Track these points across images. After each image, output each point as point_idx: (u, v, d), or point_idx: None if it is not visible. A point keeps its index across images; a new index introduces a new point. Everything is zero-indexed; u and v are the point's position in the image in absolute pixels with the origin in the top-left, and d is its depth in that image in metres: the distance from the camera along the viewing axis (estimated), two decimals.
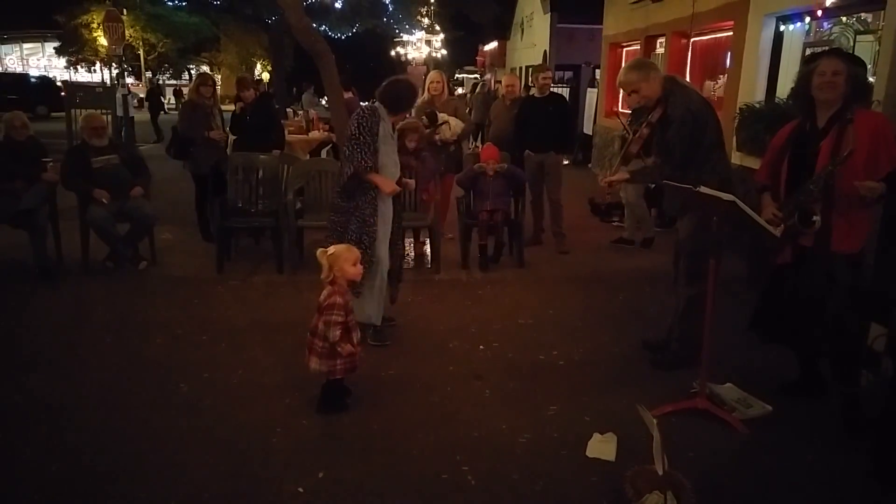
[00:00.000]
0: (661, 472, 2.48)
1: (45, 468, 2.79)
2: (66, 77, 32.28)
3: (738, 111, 6.43)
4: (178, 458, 2.88)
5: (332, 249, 3.19)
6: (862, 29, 5.57)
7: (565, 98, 7.95)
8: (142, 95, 19.91)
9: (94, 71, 31.32)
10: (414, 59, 27.58)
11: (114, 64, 16.59)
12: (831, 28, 5.93)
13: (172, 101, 26.49)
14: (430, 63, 25.42)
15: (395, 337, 4.25)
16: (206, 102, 6.40)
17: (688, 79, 8.21)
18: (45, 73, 35.80)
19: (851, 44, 5.63)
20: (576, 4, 17.48)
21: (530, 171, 6.39)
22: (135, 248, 5.60)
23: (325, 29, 20.18)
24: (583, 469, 2.85)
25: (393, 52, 29.22)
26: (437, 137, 5.92)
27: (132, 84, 28.45)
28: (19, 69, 38.66)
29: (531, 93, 7.19)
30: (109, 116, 9.61)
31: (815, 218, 2.95)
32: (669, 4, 9.04)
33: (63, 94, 24.61)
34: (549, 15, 20.10)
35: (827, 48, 5.42)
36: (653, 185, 6.31)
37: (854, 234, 3.02)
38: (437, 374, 3.74)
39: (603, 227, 7.59)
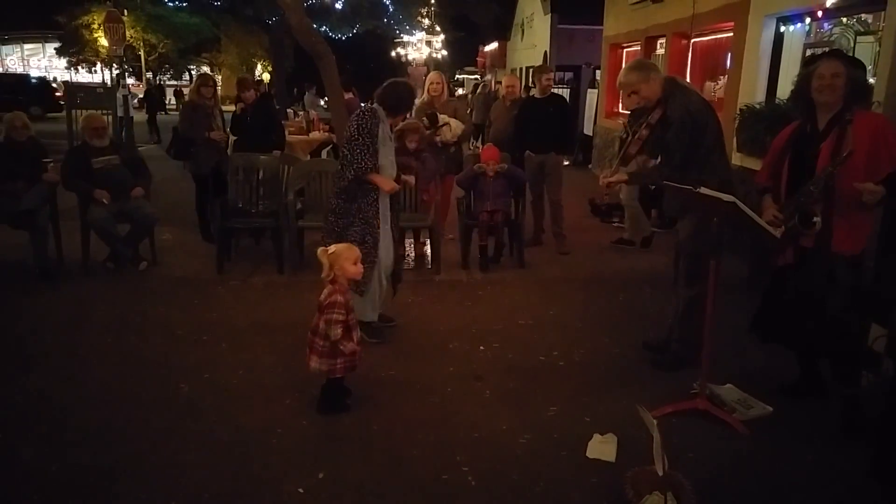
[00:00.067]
0: (661, 473, 2.48)
1: (45, 468, 2.79)
2: (66, 77, 32.33)
3: (738, 112, 6.43)
4: (179, 458, 2.88)
5: (332, 248, 3.20)
6: (862, 30, 5.57)
7: (565, 99, 7.95)
8: (141, 96, 19.88)
9: (95, 71, 31.35)
10: (414, 59, 27.60)
11: (114, 64, 16.60)
12: (832, 29, 5.92)
13: (173, 101, 26.53)
14: (431, 64, 25.43)
15: (395, 337, 4.26)
16: (206, 103, 6.41)
17: (688, 80, 8.20)
18: (46, 74, 35.86)
19: (852, 45, 5.63)
20: (576, 5, 17.48)
21: (531, 171, 6.40)
22: (135, 248, 5.60)
23: (325, 30, 20.21)
24: (583, 470, 2.85)
25: (393, 53, 29.25)
26: (437, 139, 5.93)
27: (133, 85, 28.47)
28: (20, 70, 38.69)
29: (531, 93, 7.20)
30: (110, 117, 9.61)
31: (815, 219, 2.95)
32: (670, 5, 9.05)
33: (58, 94, 24.72)
34: (549, 16, 20.10)
35: (827, 49, 5.43)
36: (653, 187, 6.31)
37: (855, 235, 3.02)
38: (438, 375, 3.74)
39: (603, 227, 7.59)
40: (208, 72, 29.71)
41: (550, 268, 5.97)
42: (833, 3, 5.38)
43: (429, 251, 6.06)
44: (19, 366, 3.77)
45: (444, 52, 29.32)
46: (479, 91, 18.51)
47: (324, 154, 9.34)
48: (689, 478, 2.56)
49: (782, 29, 6.42)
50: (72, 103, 10.46)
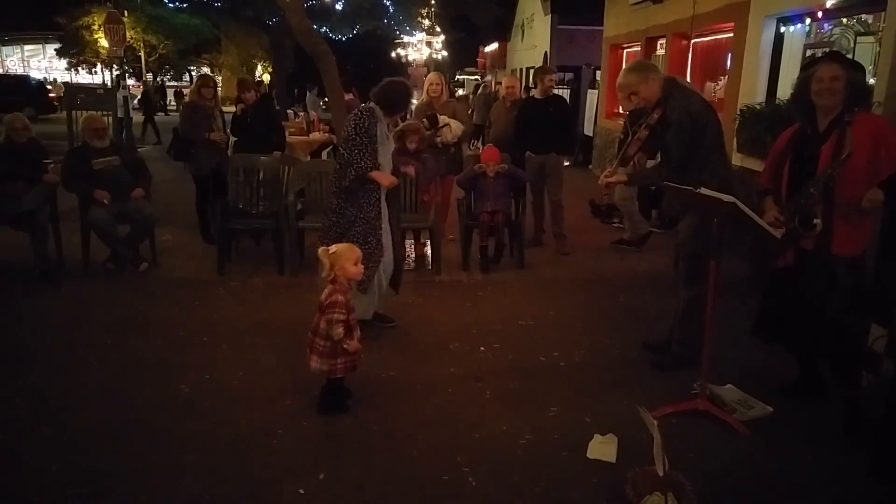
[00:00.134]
0: (661, 474, 2.48)
1: (45, 469, 2.79)
2: (66, 79, 32.32)
3: (738, 112, 6.43)
4: (179, 459, 2.88)
5: (334, 248, 3.20)
6: (862, 30, 5.57)
7: (565, 99, 7.95)
8: (139, 97, 19.85)
9: (95, 73, 31.34)
10: (415, 60, 27.59)
11: (115, 65, 16.60)
12: (832, 29, 5.93)
13: (173, 102, 26.51)
14: (431, 64, 25.43)
15: (395, 338, 4.26)
16: (207, 104, 6.41)
17: (688, 80, 8.21)
18: (46, 75, 35.87)
19: (852, 45, 5.64)
20: (576, 6, 17.49)
21: (531, 172, 6.40)
22: (135, 249, 5.60)
23: (325, 30, 20.23)
24: (583, 470, 2.85)
25: (393, 54, 29.24)
26: (437, 139, 5.93)
27: (133, 86, 28.48)
28: (20, 71, 38.71)
29: (531, 94, 7.20)
30: (110, 118, 9.61)
31: (815, 221, 2.95)
32: (670, 6, 9.05)
33: (52, 95, 24.64)
34: (549, 16, 20.11)
35: (826, 50, 5.44)
36: (653, 187, 6.31)
37: (855, 237, 3.02)
38: (438, 376, 3.74)
39: (603, 228, 7.59)
40: (208, 73, 29.75)
41: (551, 268, 5.97)
42: (833, 4, 5.38)
43: (429, 252, 6.06)
44: (19, 366, 3.77)
45: (445, 53, 29.31)
46: (480, 92, 18.52)
47: (324, 155, 9.34)
48: (690, 478, 2.57)
49: (782, 29, 6.43)
50: (72, 104, 10.47)
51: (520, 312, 4.79)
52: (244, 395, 3.48)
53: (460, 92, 27.73)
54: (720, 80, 8.16)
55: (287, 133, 8.05)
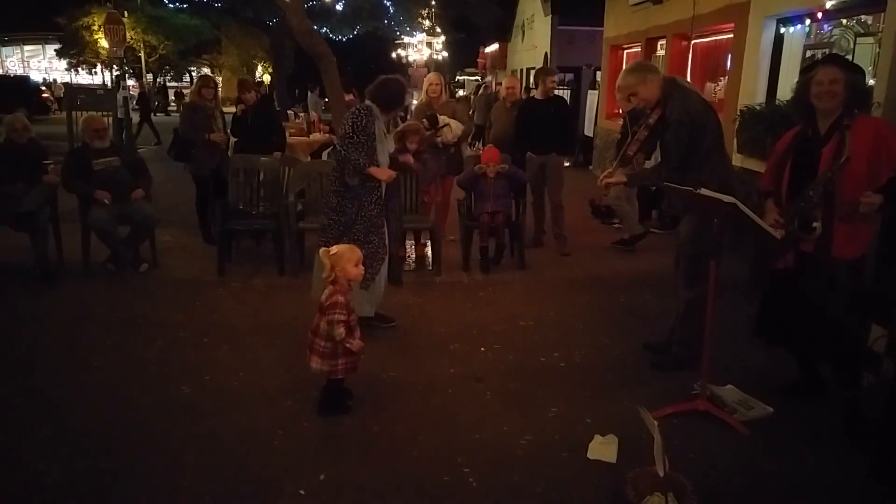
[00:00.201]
0: (662, 474, 2.48)
1: (46, 470, 2.79)
2: (66, 79, 32.32)
3: (738, 113, 6.44)
4: (180, 460, 2.88)
5: (335, 249, 3.20)
6: (862, 31, 5.57)
7: (565, 100, 7.96)
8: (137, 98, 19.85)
9: (95, 73, 31.34)
10: (415, 61, 27.62)
11: (114, 66, 16.60)
12: (831, 30, 5.93)
13: (174, 102, 26.50)
14: (431, 65, 25.45)
15: (396, 339, 4.26)
16: (207, 105, 6.41)
17: (688, 80, 8.21)
18: (46, 76, 35.88)
19: (851, 46, 5.64)
20: (576, 7, 17.50)
21: (532, 172, 6.40)
22: (136, 250, 5.60)
23: (326, 31, 20.23)
24: (584, 471, 2.85)
25: (394, 54, 29.26)
26: (438, 140, 5.93)
27: (133, 86, 28.49)
28: (20, 71, 38.72)
29: (532, 95, 7.20)
30: (110, 118, 9.62)
31: (815, 224, 2.95)
32: (670, 6, 9.06)
33: (45, 96, 24.55)
34: (549, 17, 20.12)
35: (826, 52, 5.44)
36: (653, 188, 6.31)
37: (855, 239, 3.02)
38: (439, 376, 3.74)
39: (604, 229, 7.59)
40: (209, 73, 29.77)
41: (551, 269, 5.98)
42: (833, 5, 5.38)
43: (429, 252, 6.06)
44: (20, 367, 3.77)
45: (445, 54, 29.33)
46: (481, 92, 18.53)
47: (324, 155, 9.33)
48: (690, 478, 2.57)
49: (782, 30, 6.43)
50: (72, 105, 10.47)
51: (520, 313, 4.79)
52: (245, 395, 3.48)
53: (461, 93, 27.73)
54: (720, 81, 8.16)
55: (287, 134, 8.06)
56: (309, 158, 8.54)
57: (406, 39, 27.15)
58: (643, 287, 5.39)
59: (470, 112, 12.59)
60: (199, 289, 5.20)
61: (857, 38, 5.62)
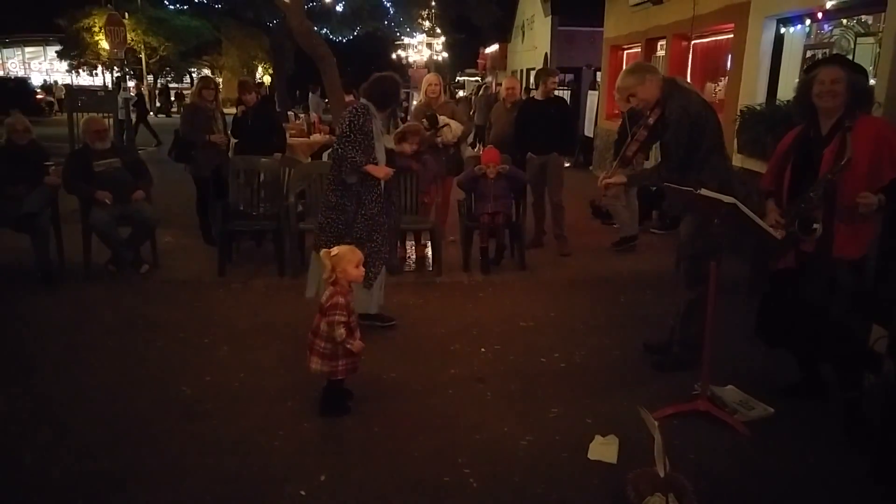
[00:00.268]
0: (662, 475, 2.48)
1: (47, 472, 2.79)
2: (67, 81, 32.36)
3: (738, 113, 6.44)
4: (181, 460, 2.88)
5: (335, 250, 3.20)
6: (862, 31, 5.57)
7: (566, 101, 7.96)
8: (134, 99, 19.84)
9: (96, 75, 31.39)
10: (415, 61, 27.64)
11: (115, 67, 16.63)
12: (832, 30, 5.93)
13: (174, 104, 26.55)
14: (432, 66, 25.47)
15: (396, 339, 4.26)
16: (208, 106, 6.41)
17: (688, 81, 8.21)
18: (47, 77, 35.91)
19: (852, 46, 5.64)
20: (576, 7, 17.51)
21: (532, 173, 6.40)
22: (136, 251, 5.60)
23: (326, 32, 20.24)
24: (584, 471, 2.85)
25: (394, 55, 29.29)
26: (438, 140, 5.93)
27: (132, 87, 28.54)
28: (21, 73, 38.79)
29: (532, 95, 7.21)
30: (111, 120, 9.62)
31: (815, 226, 2.95)
32: (670, 7, 9.06)
33: (39, 97, 24.53)
34: (549, 18, 20.13)
35: (826, 52, 5.44)
36: (653, 188, 6.31)
37: (856, 240, 3.02)
38: (439, 377, 3.74)
39: (604, 229, 7.58)
40: (209, 74, 29.79)
41: (551, 270, 5.98)
42: (833, 5, 5.38)
43: (430, 253, 6.07)
44: (20, 368, 3.77)
45: (445, 55, 29.37)
46: (482, 93, 18.56)
47: (325, 156, 9.33)
48: (691, 479, 2.56)
49: (782, 30, 6.43)
50: (73, 106, 10.47)
51: (520, 313, 4.79)
52: (245, 396, 3.49)
53: (461, 93, 27.76)
54: (720, 81, 8.16)
55: (288, 135, 8.06)
56: (309, 159, 8.54)
57: (406, 40, 27.18)
58: (644, 287, 5.39)
59: (471, 112, 12.63)
60: (199, 290, 5.20)
61: (858, 38, 5.62)
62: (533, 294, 5.27)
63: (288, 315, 4.61)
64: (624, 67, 5.13)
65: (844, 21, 5.73)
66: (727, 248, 3.34)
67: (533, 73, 19.41)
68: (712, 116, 3.61)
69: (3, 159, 5.28)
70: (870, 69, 5.05)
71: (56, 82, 33.23)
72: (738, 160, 6.40)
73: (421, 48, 27.77)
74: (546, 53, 20.58)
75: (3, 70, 39.91)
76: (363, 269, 3.29)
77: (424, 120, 5.89)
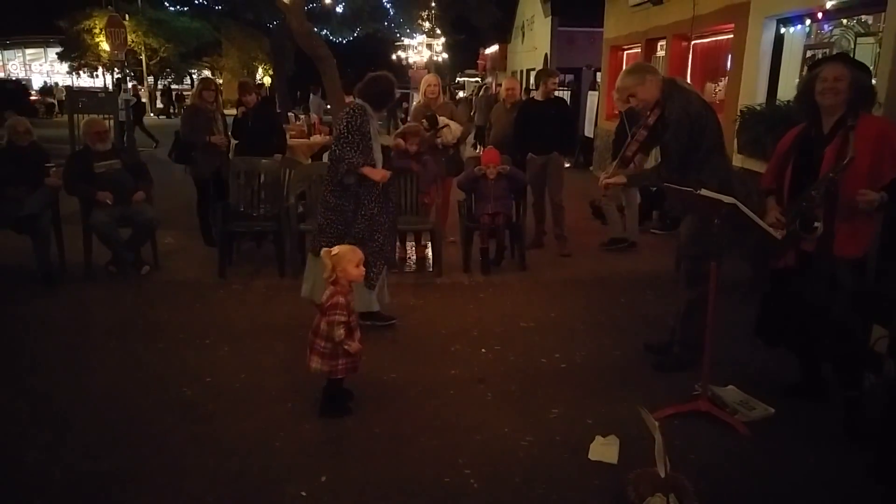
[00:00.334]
0: (663, 475, 2.48)
1: (47, 473, 2.79)
2: (68, 82, 32.40)
3: (738, 113, 6.44)
4: (181, 462, 2.88)
5: (336, 250, 3.20)
6: (862, 31, 5.57)
7: (566, 101, 7.97)
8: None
9: (97, 76, 31.43)
10: (415, 62, 27.67)
11: (116, 69, 16.65)
12: (832, 30, 5.93)
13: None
14: (432, 67, 25.48)
15: (396, 340, 4.26)
16: (208, 107, 6.42)
17: (689, 81, 8.21)
18: (47, 79, 35.93)
19: (852, 46, 5.64)
20: (576, 8, 17.54)
21: (533, 173, 6.39)
22: (137, 252, 5.61)
23: (326, 33, 20.25)
24: (585, 472, 2.85)
25: (394, 56, 29.30)
26: (438, 141, 5.94)
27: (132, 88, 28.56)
28: (22, 74, 38.84)
29: (532, 96, 7.21)
30: (111, 121, 9.63)
31: (816, 224, 2.95)
32: (670, 7, 9.06)
33: (33, 98, 24.49)
34: (549, 18, 20.16)
35: (826, 52, 5.44)
36: (654, 189, 6.32)
37: (857, 239, 3.02)
38: (439, 378, 3.74)
39: (604, 230, 7.53)
40: (209, 76, 29.80)
41: (552, 270, 5.98)
42: (833, 5, 5.38)
43: (430, 254, 6.07)
44: (21, 369, 3.78)
45: (445, 55, 29.38)
46: (482, 93, 18.56)
47: (325, 157, 9.34)
48: (691, 479, 2.56)
49: (782, 30, 6.43)
50: (73, 108, 10.49)
51: (521, 314, 4.79)
52: (246, 397, 3.49)
53: (461, 94, 27.77)
54: (720, 82, 8.16)
55: (288, 136, 8.07)
56: (309, 160, 8.55)
57: (406, 41, 27.20)
58: (644, 288, 5.39)
59: (472, 113, 12.63)
60: (200, 291, 5.20)
61: (858, 38, 5.62)
62: (533, 294, 5.27)
63: (288, 316, 4.61)
64: (624, 68, 5.13)
65: (844, 21, 5.73)
66: (727, 249, 3.34)
67: (533, 74, 19.43)
68: (712, 117, 3.61)
69: (4, 161, 5.28)
70: (870, 69, 5.05)
71: (56, 84, 33.27)
72: (738, 160, 6.40)
73: (421, 49, 27.79)
74: (546, 54, 20.60)
75: (4, 72, 39.94)
76: (363, 269, 3.28)
77: (424, 121, 5.90)
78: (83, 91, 16.13)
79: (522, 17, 25.91)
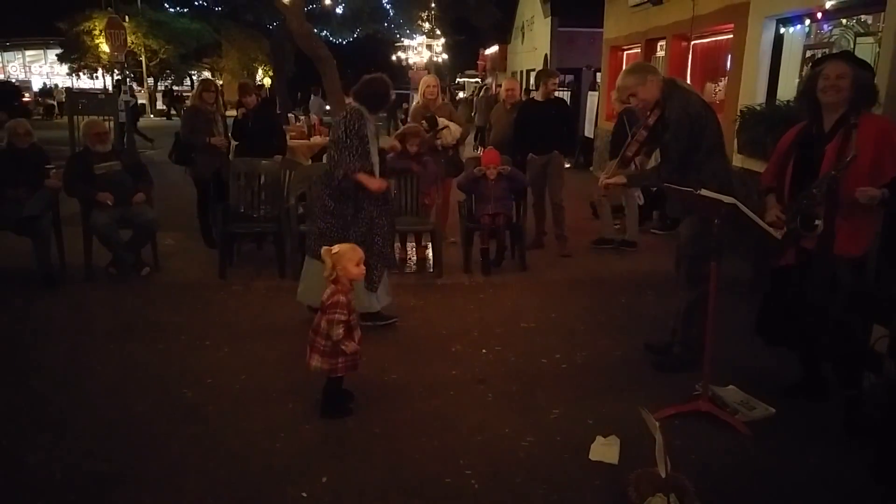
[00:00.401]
0: (663, 475, 2.47)
1: (48, 474, 2.79)
2: (68, 84, 32.42)
3: (738, 114, 6.44)
4: (182, 463, 2.88)
5: (336, 248, 3.20)
6: (862, 31, 5.57)
7: (566, 101, 7.97)
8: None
9: (97, 78, 31.45)
10: (415, 63, 27.68)
11: (115, 70, 16.66)
12: (831, 30, 5.93)
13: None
14: (431, 67, 25.49)
15: (397, 340, 4.27)
16: (208, 108, 6.42)
17: (688, 82, 8.21)
18: (47, 80, 35.96)
19: (851, 46, 5.64)
20: (576, 8, 17.56)
21: (533, 173, 6.40)
22: (137, 253, 5.61)
23: (326, 34, 20.27)
24: (586, 472, 2.85)
25: (394, 57, 29.32)
26: (437, 142, 5.94)
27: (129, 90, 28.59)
28: (22, 76, 38.85)
29: (531, 96, 7.21)
30: (111, 123, 9.64)
31: (817, 222, 2.95)
32: (670, 7, 9.06)
33: (25, 100, 24.45)
34: (549, 19, 20.17)
35: (826, 52, 5.44)
36: (654, 189, 6.32)
37: (858, 238, 3.02)
38: (440, 378, 3.74)
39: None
40: (209, 77, 29.82)
41: (552, 270, 5.98)
42: (833, 5, 5.39)
43: (430, 255, 6.07)
44: (21, 370, 3.78)
45: (445, 56, 29.40)
46: (482, 94, 18.58)
47: (325, 159, 9.35)
48: (692, 479, 2.57)
49: (782, 30, 6.44)
50: (73, 109, 10.50)
51: (521, 314, 4.79)
52: (246, 398, 3.49)
53: (461, 95, 27.79)
54: (720, 82, 8.17)
55: (288, 137, 8.07)
56: (310, 161, 8.56)
57: (406, 42, 27.22)
58: (644, 288, 5.39)
59: (472, 113, 12.65)
60: (200, 292, 5.20)
61: (857, 38, 5.62)
62: (533, 295, 5.27)
63: (288, 317, 4.61)
64: (623, 68, 5.14)
65: (844, 21, 5.73)
66: (727, 248, 3.34)
67: (533, 75, 19.43)
68: (712, 117, 3.61)
69: (4, 162, 5.28)
70: (872, 67, 5.05)
71: (56, 85, 33.29)
72: (738, 160, 6.40)
73: (421, 50, 27.80)
74: (546, 54, 20.61)
75: (4, 73, 39.96)
76: (363, 268, 3.28)
77: (424, 122, 5.90)
78: (83, 92, 16.15)
79: (522, 17, 25.93)
